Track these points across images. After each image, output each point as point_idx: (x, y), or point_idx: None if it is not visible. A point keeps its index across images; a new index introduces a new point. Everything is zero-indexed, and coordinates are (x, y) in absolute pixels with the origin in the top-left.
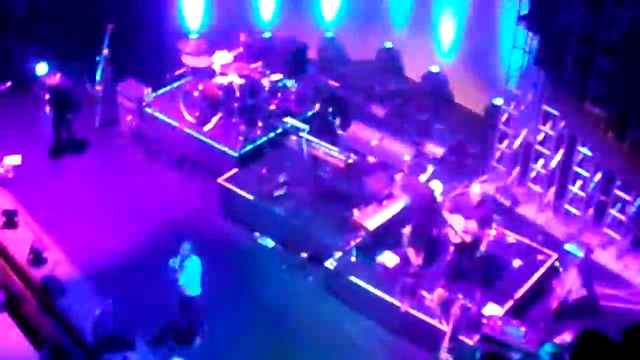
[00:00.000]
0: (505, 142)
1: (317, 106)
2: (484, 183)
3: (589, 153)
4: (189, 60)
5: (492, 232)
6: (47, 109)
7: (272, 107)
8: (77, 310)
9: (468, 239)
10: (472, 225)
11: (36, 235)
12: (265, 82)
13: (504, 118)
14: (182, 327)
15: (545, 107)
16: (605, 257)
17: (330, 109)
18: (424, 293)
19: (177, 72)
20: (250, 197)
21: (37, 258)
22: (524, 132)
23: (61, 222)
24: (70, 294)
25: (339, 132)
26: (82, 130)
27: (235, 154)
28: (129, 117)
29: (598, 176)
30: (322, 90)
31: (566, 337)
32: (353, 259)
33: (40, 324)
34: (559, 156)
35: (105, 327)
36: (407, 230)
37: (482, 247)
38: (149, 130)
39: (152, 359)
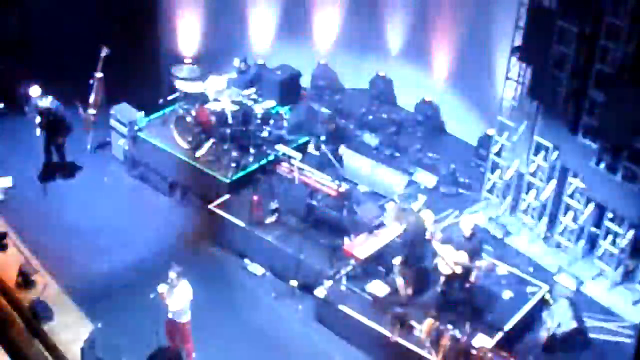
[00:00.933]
0: (497, 173)
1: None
2: (475, 214)
3: (581, 185)
4: (182, 86)
5: (483, 264)
6: (39, 131)
7: (265, 134)
8: (65, 335)
9: (458, 270)
10: (463, 256)
11: (25, 258)
12: (258, 108)
13: (496, 148)
14: (171, 354)
15: (538, 138)
16: (596, 290)
17: (322, 138)
18: (413, 323)
19: (170, 97)
20: (241, 223)
21: (26, 281)
22: (516, 162)
23: (51, 245)
24: (58, 319)
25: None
26: (73, 154)
27: (227, 180)
28: (121, 141)
29: (590, 208)
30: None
31: None
32: (343, 287)
33: (28, 348)
34: (551, 187)
35: (94, 352)
36: (397, 260)
37: (472, 279)
38: (141, 155)
39: None
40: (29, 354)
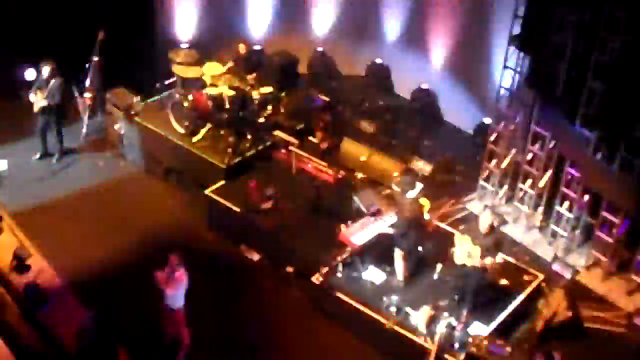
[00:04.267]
0: (494, 161)
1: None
2: (493, 211)
3: (578, 174)
4: (179, 70)
5: (491, 263)
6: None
7: (262, 119)
8: (59, 320)
9: (469, 263)
10: (476, 251)
11: (20, 242)
12: (256, 94)
13: (492, 137)
14: (166, 340)
15: (535, 128)
16: (591, 279)
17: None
18: (409, 310)
19: (167, 82)
20: (237, 209)
21: (20, 265)
22: (512, 151)
23: (46, 229)
24: (52, 303)
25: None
26: (69, 138)
27: (223, 166)
28: (117, 126)
29: (586, 197)
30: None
31: None
32: (339, 274)
33: (21, 332)
34: (547, 176)
35: (88, 338)
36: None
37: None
38: (137, 140)
39: None
40: (23, 338)
